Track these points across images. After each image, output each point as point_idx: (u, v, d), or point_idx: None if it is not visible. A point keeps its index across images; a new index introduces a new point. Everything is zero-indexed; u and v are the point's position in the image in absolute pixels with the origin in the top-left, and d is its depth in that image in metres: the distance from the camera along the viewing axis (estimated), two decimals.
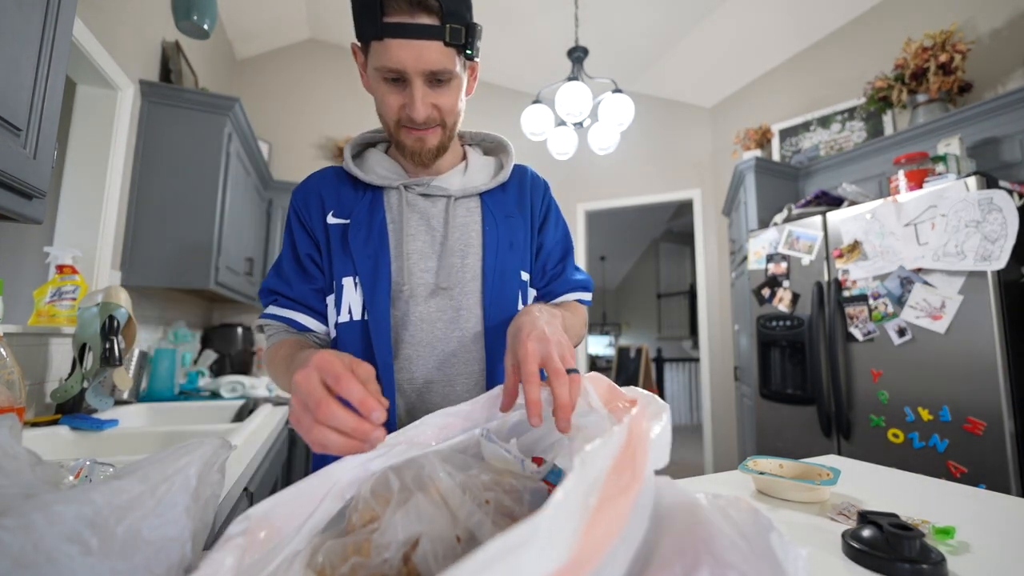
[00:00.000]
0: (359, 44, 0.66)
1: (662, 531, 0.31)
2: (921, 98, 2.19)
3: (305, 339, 0.74)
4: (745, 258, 2.46)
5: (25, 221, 0.80)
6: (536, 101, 2.26)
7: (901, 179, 1.85)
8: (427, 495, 0.38)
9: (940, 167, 1.76)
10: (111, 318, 1.26)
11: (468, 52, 0.64)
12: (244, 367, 2.59)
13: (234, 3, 2.77)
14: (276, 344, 0.73)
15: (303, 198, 0.75)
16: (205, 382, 2.03)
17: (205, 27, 1.75)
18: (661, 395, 5.86)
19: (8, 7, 0.70)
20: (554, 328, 0.53)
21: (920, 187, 1.78)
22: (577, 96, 2.05)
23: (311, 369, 0.42)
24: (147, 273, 1.83)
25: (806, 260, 2.06)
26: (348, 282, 0.69)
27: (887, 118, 2.52)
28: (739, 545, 0.28)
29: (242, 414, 1.63)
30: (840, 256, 1.92)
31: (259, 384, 2.01)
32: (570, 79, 2.16)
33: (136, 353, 1.70)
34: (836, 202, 2.17)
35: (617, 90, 2.10)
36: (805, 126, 2.91)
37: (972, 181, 1.55)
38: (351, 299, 0.69)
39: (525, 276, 0.76)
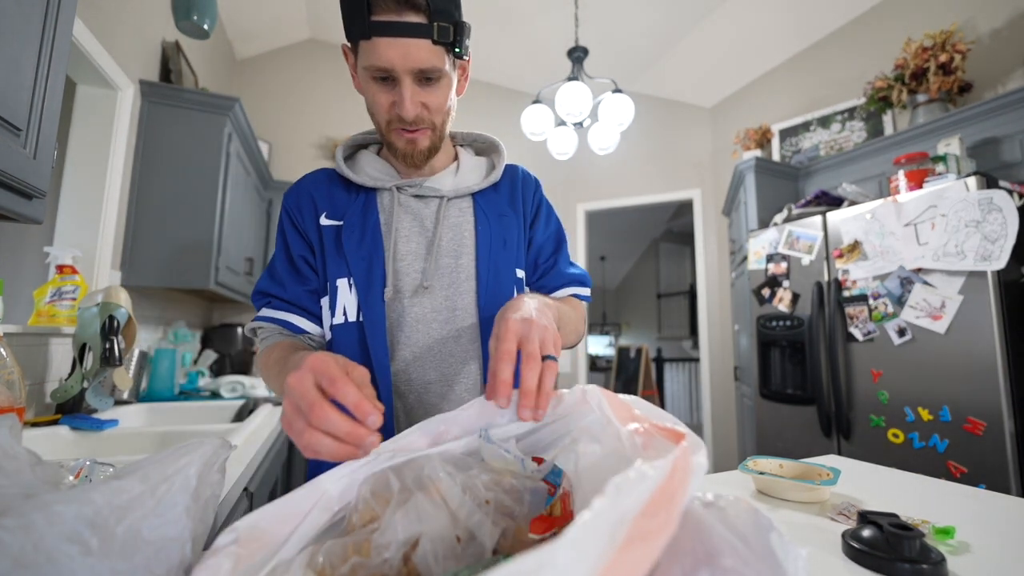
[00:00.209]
0: (349, 45, 0.66)
1: None
2: (921, 98, 2.19)
3: (299, 341, 0.73)
4: (745, 258, 2.46)
5: (25, 221, 0.80)
6: (536, 101, 2.26)
7: (901, 179, 1.85)
8: (427, 495, 0.38)
9: (940, 167, 1.77)
10: (111, 318, 1.26)
11: (457, 50, 0.63)
12: (244, 367, 2.59)
13: (234, 3, 2.77)
14: (269, 347, 0.72)
15: (295, 200, 0.75)
16: (205, 382, 2.03)
17: (205, 27, 1.75)
18: (661, 395, 5.86)
19: (8, 7, 0.70)
20: (542, 313, 0.52)
21: (920, 187, 1.78)
22: (577, 96, 2.05)
23: (305, 371, 0.41)
24: (147, 273, 1.83)
25: (806, 260, 2.06)
26: (342, 283, 0.69)
27: (887, 118, 2.52)
28: (738, 546, 0.28)
29: (242, 414, 1.63)
30: (840, 256, 1.92)
31: (259, 384, 2.01)
32: (570, 79, 2.16)
33: (136, 353, 1.70)
34: (836, 202, 2.17)
35: (617, 90, 2.10)
36: (805, 126, 2.91)
37: (972, 181, 1.55)
38: (346, 300, 0.69)
39: (520, 273, 0.76)
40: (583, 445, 0.41)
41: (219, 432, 1.21)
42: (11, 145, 0.72)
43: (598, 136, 2.25)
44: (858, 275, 1.85)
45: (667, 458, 0.30)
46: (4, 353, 0.91)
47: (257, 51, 3.33)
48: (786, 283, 2.14)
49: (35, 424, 1.16)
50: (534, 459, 0.46)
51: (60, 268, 1.38)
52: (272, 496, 1.33)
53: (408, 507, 0.37)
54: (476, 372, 0.70)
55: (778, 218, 2.31)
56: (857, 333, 1.85)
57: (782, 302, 2.15)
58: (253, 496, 1.04)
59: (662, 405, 5.62)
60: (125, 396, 1.65)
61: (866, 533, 0.52)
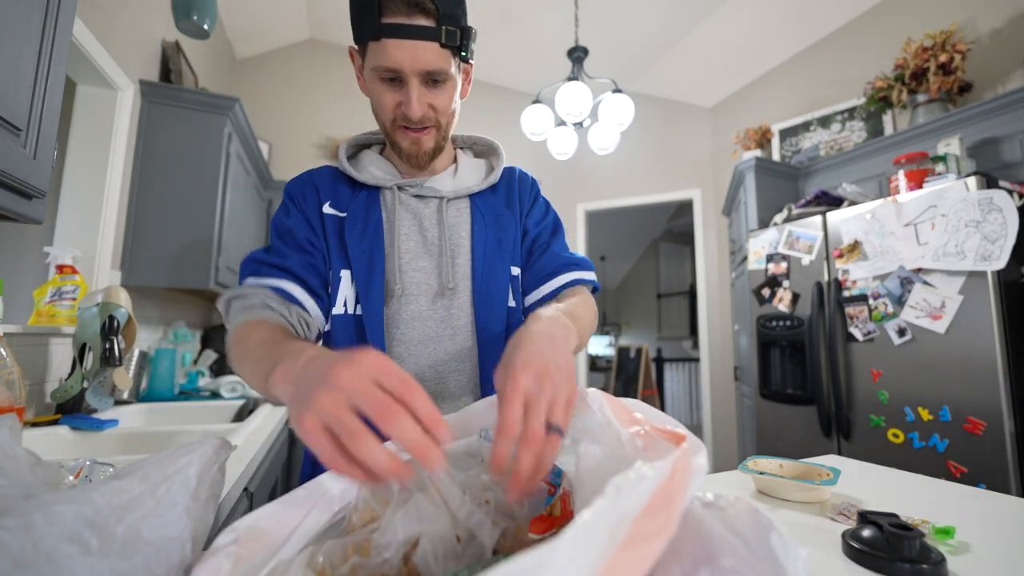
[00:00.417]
0: (356, 47, 0.67)
1: None
2: (921, 98, 2.19)
3: (287, 327, 0.63)
4: (745, 258, 2.46)
5: (25, 221, 0.80)
6: (536, 101, 2.26)
7: (901, 179, 1.85)
8: (427, 495, 0.38)
9: (940, 167, 1.77)
10: (111, 318, 1.26)
11: (463, 54, 0.65)
12: None
13: (234, 3, 2.77)
14: (249, 322, 0.61)
15: (299, 187, 0.75)
16: (205, 382, 2.03)
17: (205, 27, 1.75)
18: (661, 395, 5.86)
19: (8, 7, 0.70)
20: (560, 359, 0.43)
21: (920, 187, 1.78)
22: (577, 96, 2.05)
23: (361, 366, 0.35)
24: (147, 273, 1.83)
25: (806, 260, 2.06)
26: (345, 275, 0.70)
27: (887, 118, 2.52)
28: (739, 546, 0.28)
29: (242, 414, 1.63)
30: (840, 256, 1.92)
31: None
32: (570, 79, 2.16)
33: (136, 353, 1.70)
34: (836, 202, 2.17)
35: (617, 90, 2.10)
36: (805, 126, 2.91)
37: (972, 181, 1.55)
38: (346, 292, 0.70)
39: (516, 271, 0.76)
40: (584, 446, 0.41)
41: (219, 432, 1.21)
42: (11, 145, 0.72)
43: (598, 136, 2.25)
44: (858, 275, 1.85)
45: (667, 459, 0.30)
46: (4, 353, 0.91)
47: (257, 51, 3.33)
48: (786, 283, 2.14)
49: (35, 424, 1.16)
50: None
51: (60, 268, 1.38)
52: (272, 496, 1.33)
53: (408, 507, 0.37)
54: (470, 368, 0.71)
55: (778, 218, 2.31)
56: (857, 333, 1.85)
57: (782, 302, 2.15)
58: (253, 496, 1.04)
59: (662, 405, 5.62)
60: (125, 396, 1.65)
61: (866, 533, 0.52)
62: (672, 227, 6.63)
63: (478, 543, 0.38)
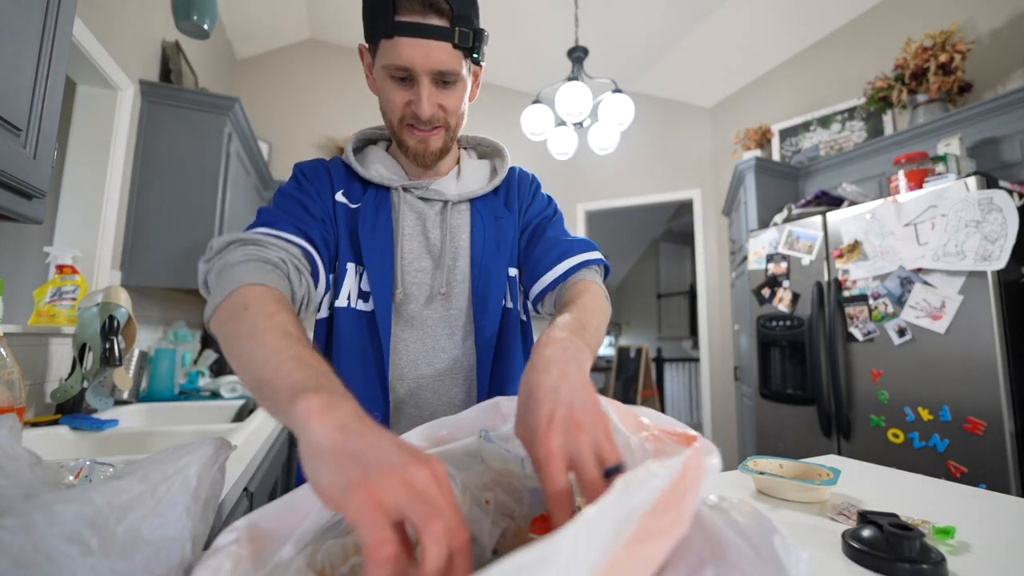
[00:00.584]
0: (367, 44, 0.67)
1: None
2: (921, 98, 2.19)
3: (286, 297, 0.54)
4: (745, 258, 2.46)
5: (25, 221, 0.80)
6: (536, 101, 2.26)
7: (901, 179, 1.85)
8: None
9: (940, 167, 1.77)
10: (111, 318, 1.26)
11: (475, 56, 0.66)
12: None
13: (234, 3, 2.77)
14: (261, 289, 0.50)
15: (312, 169, 0.73)
16: (205, 382, 2.03)
17: (205, 27, 1.75)
18: (661, 395, 5.86)
19: (8, 7, 0.70)
20: (580, 395, 0.39)
21: (920, 187, 1.78)
22: (577, 96, 2.05)
23: (434, 472, 0.31)
24: (147, 273, 1.83)
25: (806, 260, 2.06)
26: (351, 268, 0.70)
27: (887, 118, 2.52)
28: (743, 548, 0.28)
29: (242, 414, 1.63)
30: (840, 256, 1.92)
31: None
32: (570, 79, 2.16)
33: (136, 353, 1.70)
34: (836, 202, 2.17)
35: (617, 90, 2.10)
36: (805, 126, 2.91)
37: (972, 181, 1.55)
38: (350, 286, 0.69)
39: (513, 272, 0.76)
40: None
41: (219, 432, 1.21)
42: (11, 145, 0.72)
43: (598, 136, 2.25)
44: (858, 275, 1.85)
45: (678, 457, 0.30)
46: (4, 353, 0.91)
47: (257, 51, 3.33)
48: (786, 283, 2.14)
49: (35, 424, 1.16)
50: None
51: (60, 268, 1.38)
52: (272, 496, 1.33)
53: None
54: (467, 367, 0.72)
55: (778, 218, 2.31)
56: (857, 333, 1.85)
57: (782, 302, 2.15)
58: (253, 496, 1.04)
59: (662, 405, 5.62)
60: (125, 396, 1.65)
61: (866, 533, 0.52)
62: (672, 227, 6.63)
63: (478, 543, 0.38)
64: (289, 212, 0.65)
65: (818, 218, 2.03)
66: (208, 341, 2.57)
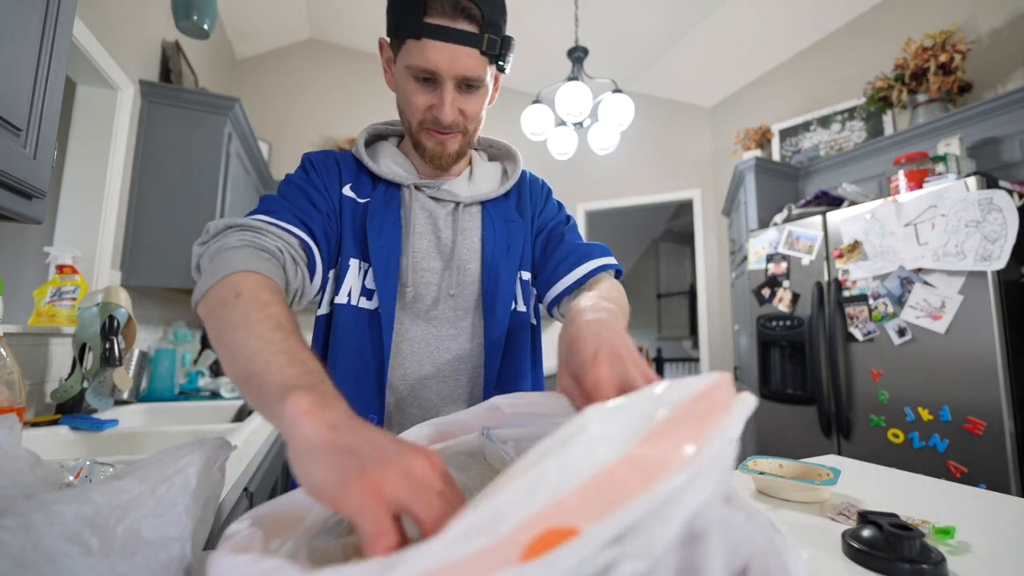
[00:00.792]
0: (388, 40, 0.66)
1: None
2: (921, 98, 2.19)
3: (281, 288, 0.52)
4: (745, 258, 2.46)
5: (25, 221, 0.80)
6: (536, 101, 2.26)
7: (901, 179, 1.85)
8: None
9: (940, 167, 1.77)
10: (111, 318, 1.26)
11: (500, 63, 0.65)
12: None
13: (234, 3, 2.77)
14: (255, 277, 0.49)
15: (322, 160, 0.73)
16: (205, 382, 2.03)
17: (205, 27, 1.75)
18: None
19: (8, 7, 0.70)
20: (620, 340, 0.41)
21: (920, 187, 1.78)
22: (577, 96, 2.05)
23: (435, 462, 0.31)
24: (147, 273, 1.83)
25: (806, 260, 2.06)
26: (354, 264, 0.69)
27: (887, 118, 2.52)
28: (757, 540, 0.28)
29: (242, 414, 1.63)
30: (840, 256, 1.92)
31: None
32: (570, 79, 2.16)
33: (136, 353, 1.70)
34: (836, 202, 2.17)
35: (617, 90, 2.10)
36: (805, 126, 2.91)
37: (972, 181, 1.55)
38: (352, 283, 0.69)
39: (526, 276, 0.77)
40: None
41: (219, 432, 1.21)
42: (11, 145, 0.72)
43: (598, 136, 2.25)
44: (858, 275, 1.85)
45: (707, 378, 0.30)
46: (4, 353, 0.91)
47: (257, 51, 3.33)
48: (786, 283, 2.14)
49: (35, 424, 1.16)
50: None
51: (60, 268, 1.38)
52: (272, 496, 1.33)
53: None
54: (472, 369, 0.72)
55: (778, 218, 2.31)
56: (857, 333, 1.85)
57: (782, 302, 2.15)
58: (253, 496, 1.04)
59: None
60: (125, 396, 1.65)
61: (866, 533, 0.52)
62: (672, 227, 6.63)
63: None
64: (292, 202, 0.64)
65: (818, 218, 2.03)
66: (208, 341, 2.57)
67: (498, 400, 0.50)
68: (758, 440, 2.26)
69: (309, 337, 0.69)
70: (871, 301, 1.80)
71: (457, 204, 0.74)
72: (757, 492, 0.74)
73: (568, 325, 0.45)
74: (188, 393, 1.94)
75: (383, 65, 0.70)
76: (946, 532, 0.55)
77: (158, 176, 1.88)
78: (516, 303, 0.74)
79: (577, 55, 2.25)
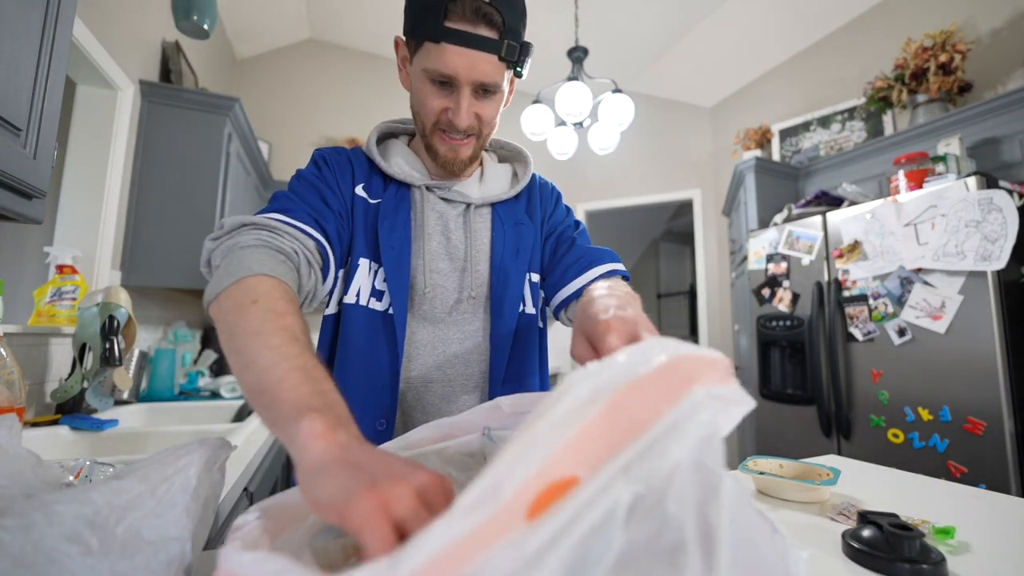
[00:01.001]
0: (405, 39, 0.66)
1: None
2: (921, 98, 2.19)
3: (293, 290, 0.52)
4: (745, 258, 2.46)
5: (25, 221, 0.80)
6: (536, 101, 2.26)
7: (901, 179, 1.85)
8: None
9: (940, 167, 1.77)
10: (111, 318, 1.26)
11: (518, 70, 0.65)
12: None
13: (234, 3, 2.77)
14: (270, 281, 0.48)
15: (335, 157, 0.72)
16: (205, 382, 2.03)
17: (205, 27, 1.75)
18: None
19: (8, 7, 0.70)
20: (639, 311, 0.44)
21: (920, 187, 1.78)
22: (577, 96, 2.05)
23: (439, 482, 0.30)
24: (147, 273, 1.83)
25: (806, 260, 2.06)
26: (363, 264, 0.68)
27: (887, 118, 2.52)
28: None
29: (242, 414, 1.63)
30: (840, 256, 1.92)
31: None
32: (570, 79, 2.16)
33: (136, 353, 1.70)
34: (836, 202, 2.17)
35: (617, 90, 2.10)
36: (805, 126, 2.91)
37: (972, 181, 1.55)
38: (361, 282, 0.68)
39: (535, 278, 0.76)
40: None
41: (219, 432, 1.21)
42: (11, 145, 0.72)
43: (598, 136, 2.25)
44: (858, 275, 1.85)
45: (677, 351, 0.28)
46: (4, 353, 0.91)
47: (257, 51, 3.33)
48: (786, 283, 2.14)
49: (35, 424, 1.16)
50: None
51: (60, 268, 1.38)
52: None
53: None
54: (478, 374, 0.71)
55: (778, 218, 2.31)
56: (857, 333, 1.85)
57: (782, 302, 2.15)
58: (253, 496, 1.04)
59: None
60: (125, 396, 1.65)
61: (866, 533, 0.52)
62: (672, 227, 6.63)
63: None
64: (306, 200, 0.64)
65: (818, 218, 2.03)
66: (208, 341, 2.57)
67: (500, 400, 0.50)
68: (758, 440, 2.26)
69: (315, 337, 0.69)
70: (871, 301, 1.80)
71: (468, 205, 0.74)
72: (757, 492, 0.74)
73: (584, 298, 0.48)
74: (188, 393, 1.94)
75: (398, 63, 0.69)
76: (946, 532, 0.55)
77: (158, 176, 1.88)
78: (524, 305, 0.74)
79: (577, 55, 2.25)
